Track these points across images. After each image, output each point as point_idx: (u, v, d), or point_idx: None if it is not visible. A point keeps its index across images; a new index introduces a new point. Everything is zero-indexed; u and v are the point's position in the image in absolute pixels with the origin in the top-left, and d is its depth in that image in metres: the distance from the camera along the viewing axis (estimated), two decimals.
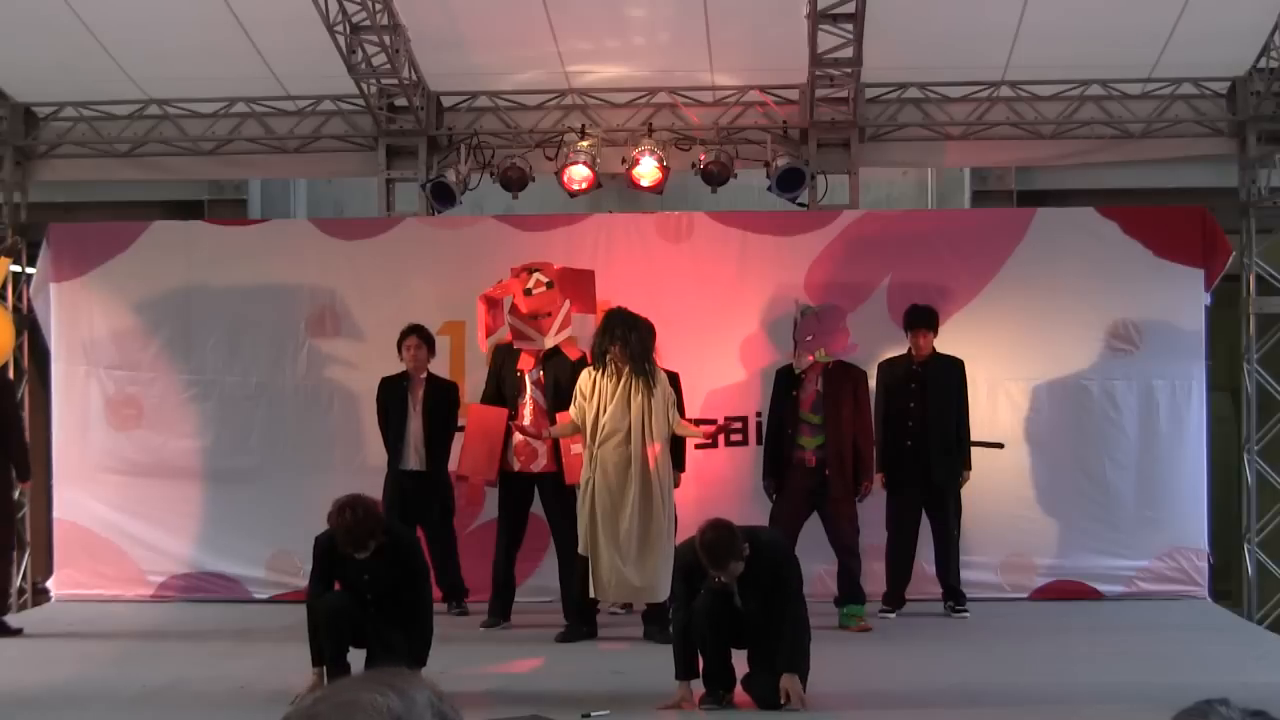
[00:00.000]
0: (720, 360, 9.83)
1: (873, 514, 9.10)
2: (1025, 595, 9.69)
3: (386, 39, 9.14)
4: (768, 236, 10.00)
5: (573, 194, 10.09)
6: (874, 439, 8.99)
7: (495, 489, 9.05)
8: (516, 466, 8.76)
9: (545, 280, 8.84)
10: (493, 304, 9.08)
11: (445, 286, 9.86)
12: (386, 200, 10.48)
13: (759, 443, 9.52)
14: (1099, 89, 9.96)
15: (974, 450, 9.27)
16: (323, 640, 6.65)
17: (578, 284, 9.07)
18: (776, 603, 6.49)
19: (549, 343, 8.85)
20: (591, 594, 8.20)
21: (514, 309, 8.90)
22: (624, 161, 10.01)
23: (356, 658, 6.72)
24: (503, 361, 8.90)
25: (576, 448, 8.50)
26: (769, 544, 6.84)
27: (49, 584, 10.27)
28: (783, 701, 6.42)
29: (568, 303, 8.96)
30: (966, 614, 9.09)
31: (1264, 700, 1.89)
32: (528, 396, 8.76)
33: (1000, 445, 9.62)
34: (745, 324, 9.90)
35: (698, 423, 9.23)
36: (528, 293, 8.82)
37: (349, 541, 6.54)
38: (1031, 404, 9.79)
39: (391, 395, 9.24)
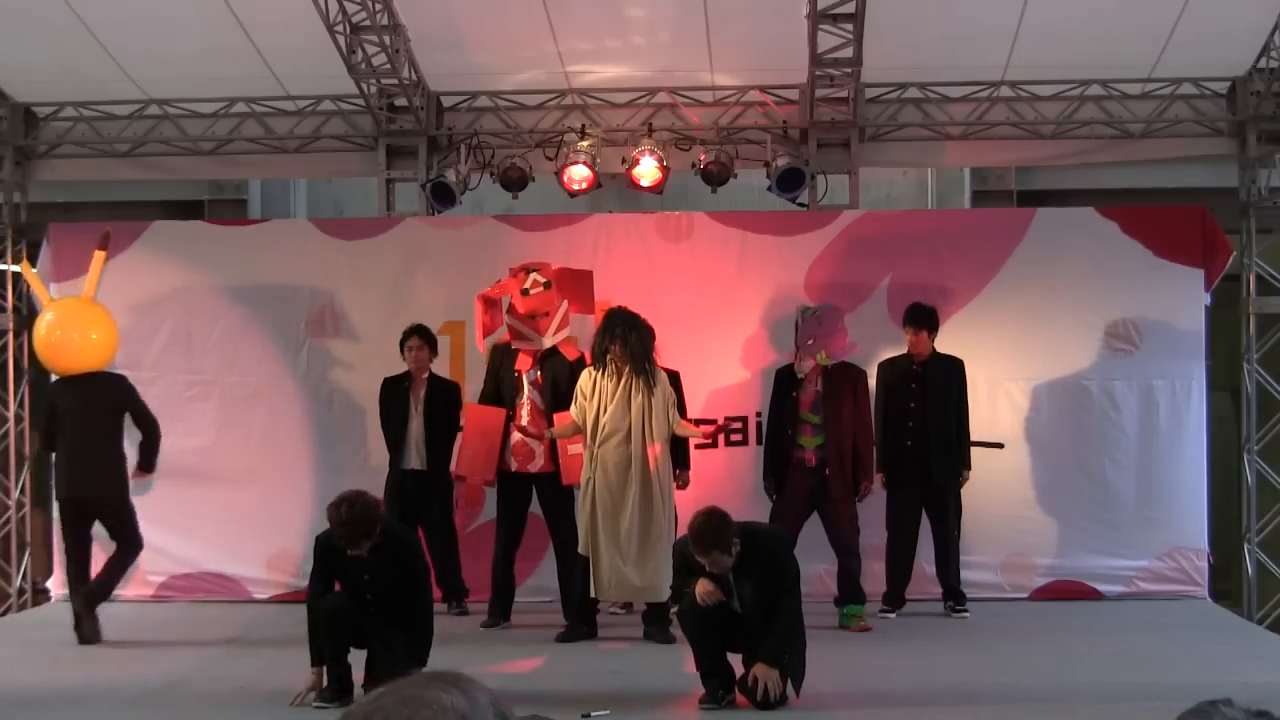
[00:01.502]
0: (720, 360, 9.83)
1: (873, 514, 9.10)
2: (1025, 595, 9.69)
3: (386, 39, 9.14)
4: (768, 236, 10.00)
5: (573, 194, 10.09)
6: (873, 439, 8.99)
7: (494, 489, 9.06)
8: (514, 467, 8.76)
9: (542, 280, 8.84)
10: (490, 304, 9.08)
11: (445, 286, 9.86)
12: (386, 200, 10.48)
13: (759, 443, 9.52)
14: (1099, 89, 9.96)
15: (974, 450, 9.27)
16: (323, 640, 6.65)
17: (576, 284, 9.07)
18: (771, 595, 6.49)
19: (547, 343, 8.85)
20: (592, 593, 8.21)
21: (511, 309, 8.90)
22: (624, 161, 10.01)
23: (357, 658, 6.72)
24: (501, 362, 8.90)
25: (574, 448, 8.50)
26: (767, 536, 6.85)
27: (49, 584, 10.26)
28: (754, 691, 6.40)
29: (565, 303, 8.96)
30: (966, 614, 9.09)
31: (1264, 700, 1.89)
32: (525, 397, 8.76)
33: (1000, 445, 9.62)
34: (745, 324, 9.90)
35: (698, 423, 9.24)
36: (525, 293, 8.82)
37: (346, 537, 6.54)
38: (1031, 404, 9.79)
39: (393, 395, 9.24)
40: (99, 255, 8.95)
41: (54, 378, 9.18)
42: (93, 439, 8.53)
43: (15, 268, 10.62)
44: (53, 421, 8.75)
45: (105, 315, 9.00)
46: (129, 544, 8.67)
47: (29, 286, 9.17)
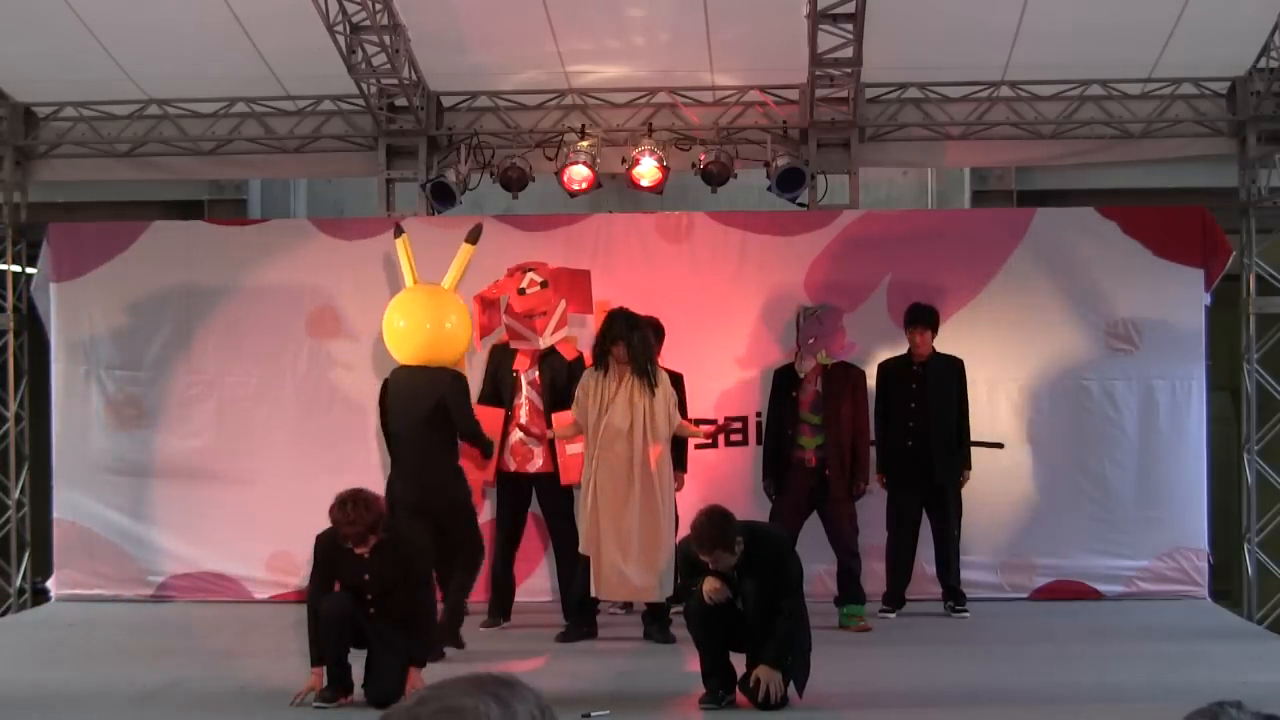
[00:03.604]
0: (720, 360, 9.82)
1: (873, 514, 9.11)
2: (1025, 595, 9.69)
3: (386, 39, 9.14)
4: (768, 236, 9.99)
5: (573, 194, 10.09)
6: (870, 439, 9.00)
7: (493, 489, 9.06)
8: (513, 467, 8.75)
9: (539, 280, 8.83)
10: (487, 304, 9.07)
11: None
12: (386, 200, 10.48)
13: (759, 443, 9.52)
14: (1099, 89, 9.95)
15: (974, 450, 9.28)
16: (323, 640, 6.65)
17: (573, 284, 9.07)
18: (773, 596, 6.49)
19: (544, 343, 8.84)
20: (592, 592, 8.21)
21: (509, 308, 8.90)
22: (624, 161, 10.01)
23: (357, 658, 6.72)
24: (499, 362, 8.90)
25: (572, 448, 8.51)
26: (770, 536, 6.86)
27: (49, 584, 10.26)
28: (755, 691, 6.40)
29: (563, 302, 8.96)
30: (966, 614, 9.10)
31: (1265, 701, 1.89)
32: (524, 397, 8.76)
33: (1000, 445, 9.62)
34: (745, 324, 9.89)
35: (698, 423, 9.25)
36: (521, 292, 8.81)
37: (353, 535, 6.53)
38: (1031, 404, 9.79)
39: None
40: (467, 248, 8.74)
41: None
42: (420, 435, 8.10)
43: (16, 267, 10.63)
44: (384, 413, 8.36)
45: (461, 308, 8.66)
46: (470, 553, 8.10)
47: (402, 262, 8.77)
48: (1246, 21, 9.30)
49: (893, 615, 9.07)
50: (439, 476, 8.11)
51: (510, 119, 10.35)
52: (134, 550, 10.05)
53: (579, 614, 8.44)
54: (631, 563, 8.07)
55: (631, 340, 8.11)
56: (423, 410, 8.12)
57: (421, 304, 8.63)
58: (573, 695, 6.67)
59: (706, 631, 6.58)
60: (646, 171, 9.89)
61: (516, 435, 8.71)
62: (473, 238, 8.83)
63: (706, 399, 9.70)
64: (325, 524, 6.68)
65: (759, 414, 9.61)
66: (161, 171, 10.75)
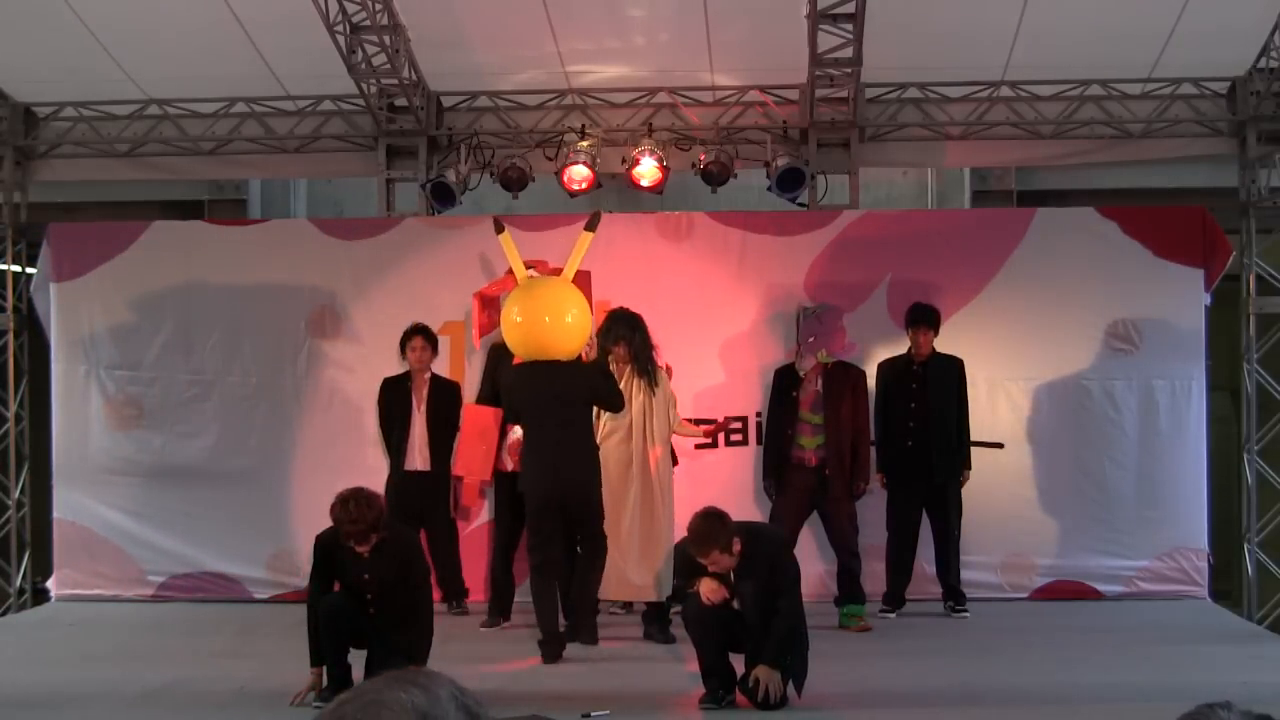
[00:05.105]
0: (720, 360, 9.83)
1: (873, 514, 9.11)
2: (1025, 595, 9.69)
3: (386, 39, 9.14)
4: (768, 236, 10.00)
5: (573, 194, 10.09)
6: (870, 439, 9.00)
7: (492, 489, 9.06)
8: (511, 466, 8.75)
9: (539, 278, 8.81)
10: (487, 302, 9.07)
11: (445, 286, 9.85)
12: (386, 200, 10.48)
13: (759, 443, 9.53)
14: (1099, 89, 9.96)
15: (974, 450, 9.28)
16: (322, 640, 6.65)
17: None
18: (771, 596, 6.49)
19: None
20: None
21: None
22: (624, 161, 10.02)
23: (357, 658, 6.72)
24: (498, 361, 8.88)
25: None
26: (766, 536, 6.86)
27: (49, 584, 10.27)
28: (755, 691, 6.40)
29: None
30: (966, 614, 9.10)
31: (1265, 701, 1.89)
32: None
33: (1000, 445, 9.63)
34: (745, 324, 9.89)
35: (697, 423, 9.24)
36: None
37: (355, 533, 6.53)
38: (1031, 404, 9.79)
39: (395, 396, 9.23)
40: (586, 236, 8.41)
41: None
42: (566, 429, 7.87)
43: (16, 267, 10.64)
44: (510, 412, 8.16)
45: (580, 298, 8.27)
46: (601, 547, 7.97)
47: (510, 255, 8.38)
48: (1246, 21, 9.30)
49: (893, 615, 9.07)
50: (584, 472, 7.93)
51: (510, 119, 10.35)
52: (134, 550, 10.05)
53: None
54: (631, 562, 8.08)
55: (633, 340, 8.12)
56: (574, 404, 7.92)
57: (549, 298, 8.22)
58: (573, 695, 6.67)
59: (705, 632, 6.58)
60: (646, 171, 9.89)
61: (515, 435, 8.69)
62: (592, 225, 8.50)
63: (706, 399, 9.70)
64: (325, 524, 6.69)
65: (759, 414, 9.62)
66: (161, 171, 10.76)
